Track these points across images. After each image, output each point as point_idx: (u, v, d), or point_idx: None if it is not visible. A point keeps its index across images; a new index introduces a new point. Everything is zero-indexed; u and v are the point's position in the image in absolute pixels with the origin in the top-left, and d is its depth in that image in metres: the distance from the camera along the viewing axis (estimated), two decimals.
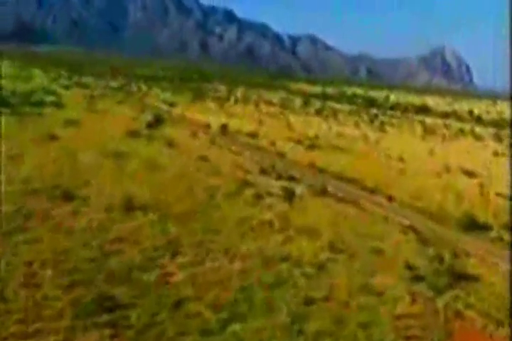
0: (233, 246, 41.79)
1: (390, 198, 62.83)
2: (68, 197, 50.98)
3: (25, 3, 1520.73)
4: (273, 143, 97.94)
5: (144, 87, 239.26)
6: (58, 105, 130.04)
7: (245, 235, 44.72)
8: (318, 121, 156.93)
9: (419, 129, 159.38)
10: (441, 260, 41.78)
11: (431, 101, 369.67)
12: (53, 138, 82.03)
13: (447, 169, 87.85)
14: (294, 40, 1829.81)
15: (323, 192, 62.13)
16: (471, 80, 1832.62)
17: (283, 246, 42.88)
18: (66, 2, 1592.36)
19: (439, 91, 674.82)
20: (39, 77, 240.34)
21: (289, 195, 58.45)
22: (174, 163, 71.95)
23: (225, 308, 31.18)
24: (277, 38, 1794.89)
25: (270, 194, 59.43)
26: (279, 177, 68.89)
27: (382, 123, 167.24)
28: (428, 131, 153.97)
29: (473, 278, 39.73)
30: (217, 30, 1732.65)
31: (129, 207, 49.57)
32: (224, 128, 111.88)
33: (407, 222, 52.77)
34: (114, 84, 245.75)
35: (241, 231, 45.57)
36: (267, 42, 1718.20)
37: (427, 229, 51.18)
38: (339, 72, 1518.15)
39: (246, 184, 62.59)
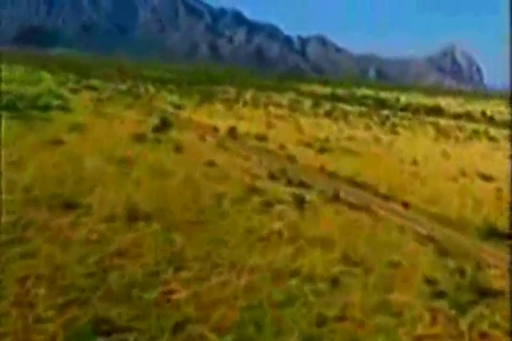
0: (241, 259, 39.47)
1: (405, 204, 60.19)
2: (69, 206, 48.92)
3: (35, 7, 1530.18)
4: (282, 147, 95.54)
5: (151, 90, 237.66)
6: (65, 109, 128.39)
7: (253, 247, 42.37)
8: (329, 123, 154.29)
9: (431, 131, 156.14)
10: (462, 273, 39.16)
11: (442, 102, 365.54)
12: (58, 142, 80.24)
13: (463, 173, 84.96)
14: (304, 42, 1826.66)
15: (335, 198, 59.66)
16: (481, 80, 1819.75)
17: (293, 259, 40.50)
18: (76, 5, 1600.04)
19: (450, 92, 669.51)
20: (47, 81, 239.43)
21: (300, 202, 56.06)
22: (180, 168, 69.71)
23: (230, 330, 28.84)
24: (286, 40, 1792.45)
25: (280, 201, 57.06)
26: (289, 182, 66.45)
27: (394, 125, 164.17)
28: (441, 133, 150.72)
29: (497, 293, 37.10)
30: (227, 32, 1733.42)
31: (132, 216, 47.43)
32: (232, 131, 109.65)
33: (424, 231, 50.13)
34: (122, 87, 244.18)
35: (249, 242, 43.26)
36: (276, 44, 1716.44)
37: (445, 238, 48.44)
38: (348, 73, 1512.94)
39: (254, 190, 60.26)
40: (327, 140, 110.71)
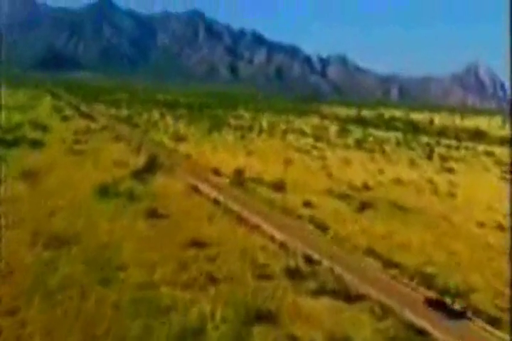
0: None
1: None
2: None
3: (56, 32, 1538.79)
4: (306, 202, 67.55)
5: (156, 116, 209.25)
6: (37, 144, 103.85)
7: None
8: (362, 157, 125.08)
9: (491, 166, 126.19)
10: None
11: (480, 123, 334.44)
12: None
13: None
14: (324, 62, 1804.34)
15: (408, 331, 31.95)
16: (505, 97, 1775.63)
17: None
18: (97, 30, 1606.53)
19: (476, 109, 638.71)
20: (43, 107, 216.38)
21: None
22: (145, 255, 42.72)
23: None
24: (307, 60, 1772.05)
25: None
26: (321, 289, 38.88)
27: (443, 157, 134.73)
28: (503, 168, 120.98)
29: None
30: (247, 53, 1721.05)
31: None
32: (239, 175, 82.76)
33: None
34: (125, 113, 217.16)
35: None
36: (296, 64, 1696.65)
37: None
38: (370, 93, 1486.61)
39: (260, 316, 32.93)
40: (366, 187, 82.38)
